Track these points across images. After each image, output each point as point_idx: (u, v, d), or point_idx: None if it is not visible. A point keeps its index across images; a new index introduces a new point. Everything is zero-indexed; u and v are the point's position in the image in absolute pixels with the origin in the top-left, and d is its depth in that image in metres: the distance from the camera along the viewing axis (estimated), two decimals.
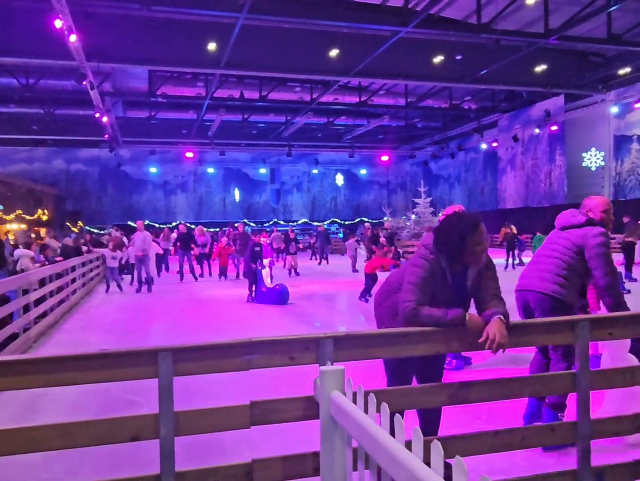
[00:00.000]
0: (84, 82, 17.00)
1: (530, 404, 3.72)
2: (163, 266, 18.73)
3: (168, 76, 23.45)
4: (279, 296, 10.88)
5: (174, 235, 21.61)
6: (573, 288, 3.63)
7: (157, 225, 31.00)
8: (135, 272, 13.94)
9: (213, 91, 23.06)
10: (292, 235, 18.05)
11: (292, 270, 17.11)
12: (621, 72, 22.25)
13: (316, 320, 9.09)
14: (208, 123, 29.00)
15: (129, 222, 30.88)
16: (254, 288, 11.42)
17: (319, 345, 2.30)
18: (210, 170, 36.48)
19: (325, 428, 2.02)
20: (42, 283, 8.88)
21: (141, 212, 35.32)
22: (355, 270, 18.57)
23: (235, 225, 32.43)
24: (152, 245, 15.36)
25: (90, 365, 2.10)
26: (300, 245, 17.90)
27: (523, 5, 18.18)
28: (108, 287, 13.54)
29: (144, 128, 29.40)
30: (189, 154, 31.88)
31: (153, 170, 35.63)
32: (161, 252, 16.85)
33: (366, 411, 1.84)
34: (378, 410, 1.78)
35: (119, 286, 13.49)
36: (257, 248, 11.96)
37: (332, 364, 2.26)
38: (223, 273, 16.60)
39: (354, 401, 1.97)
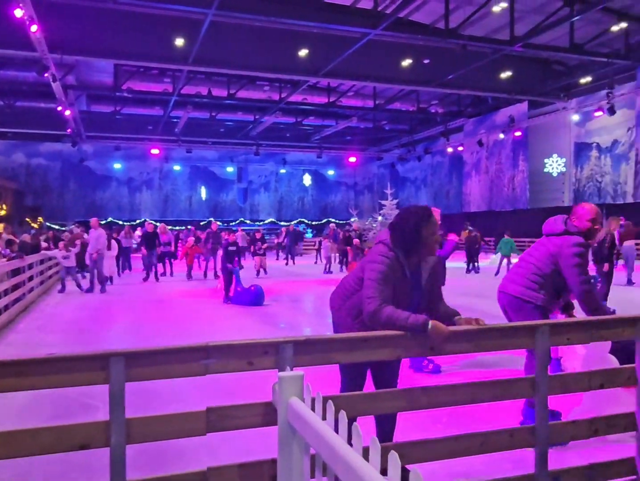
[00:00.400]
0: (46, 74, 16.52)
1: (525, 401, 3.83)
2: (126, 265, 18.33)
3: (134, 71, 23.03)
4: (254, 297, 10.71)
5: (138, 233, 21.20)
6: (545, 292, 3.72)
7: (120, 222, 30.41)
8: (90, 272, 13.48)
9: (180, 87, 22.76)
10: (258, 235, 17.83)
11: (262, 270, 16.93)
12: (582, 81, 22.86)
13: (282, 322, 9.02)
14: (175, 120, 28.59)
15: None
16: (228, 288, 11.20)
17: (279, 349, 2.25)
18: (177, 167, 36.02)
19: (283, 435, 1.97)
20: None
21: (104, 209, 34.61)
22: (329, 272, 18.48)
23: (202, 223, 32.03)
24: (112, 244, 14.97)
25: (37, 371, 2.00)
26: (265, 245, 17.67)
27: (490, 12, 18.50)
28: (63, 286, 13.07)
29: (108, 123, 28.78)
30: (155, 151, 31.36)
31: (117, 166, 34.95)
32: (116, 252, 16.01)
33: (324, 418, 1.79)
34: (337, 417, 1.74)
35: (78, 285, 13.10)
36: (232, 248, 11.74)
37: (291, 369, 2.21)
38: (189, 273, 16.35)
39: (313, 408, 1.93)
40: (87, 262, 13.83)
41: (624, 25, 19.01)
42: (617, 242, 13.81)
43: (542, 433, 2.63)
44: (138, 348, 2.11)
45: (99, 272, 13.00)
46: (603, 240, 10.00)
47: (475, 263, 18.15)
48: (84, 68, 22.27)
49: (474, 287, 13.42)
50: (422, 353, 2.60)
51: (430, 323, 2.52)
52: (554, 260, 3.72)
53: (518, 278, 3.86)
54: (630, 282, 13.08)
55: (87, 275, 14.65)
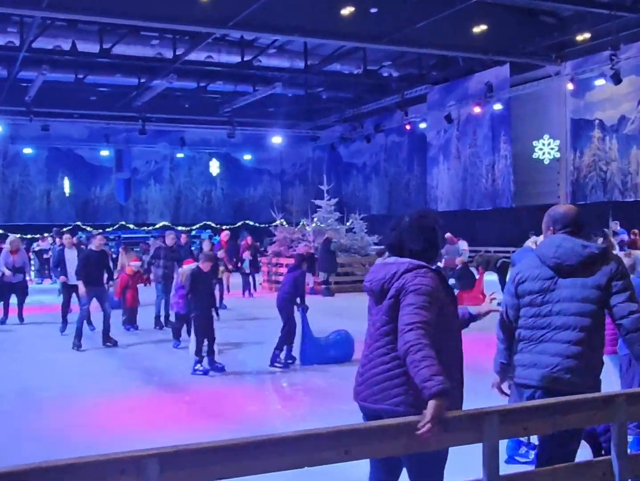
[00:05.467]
0: None
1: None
2: None
3: None
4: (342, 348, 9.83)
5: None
6: None
7: None
8: None
9: (32, 40, 22.18)
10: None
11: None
12: (579, 38, 23.89)
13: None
14: (25, 84, 27.87)
15: None
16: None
17: (140, 466, 2.33)
18: (28, 150, 35.06)
19: None
20: None
21: None
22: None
23: (65, 229, 31.14)
24: None
25: None
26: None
27: None
28: None
29: None
30: None
31: None
32: None
33: None
34: None
35: None
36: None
37: None
38: (130, 319, 13.64)
39: None
40: None
41: None
42: None
43: None
44: None
45: None
46: None
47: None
48: None
49: None
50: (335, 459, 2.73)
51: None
52: None
53: None
54: None
55: None
